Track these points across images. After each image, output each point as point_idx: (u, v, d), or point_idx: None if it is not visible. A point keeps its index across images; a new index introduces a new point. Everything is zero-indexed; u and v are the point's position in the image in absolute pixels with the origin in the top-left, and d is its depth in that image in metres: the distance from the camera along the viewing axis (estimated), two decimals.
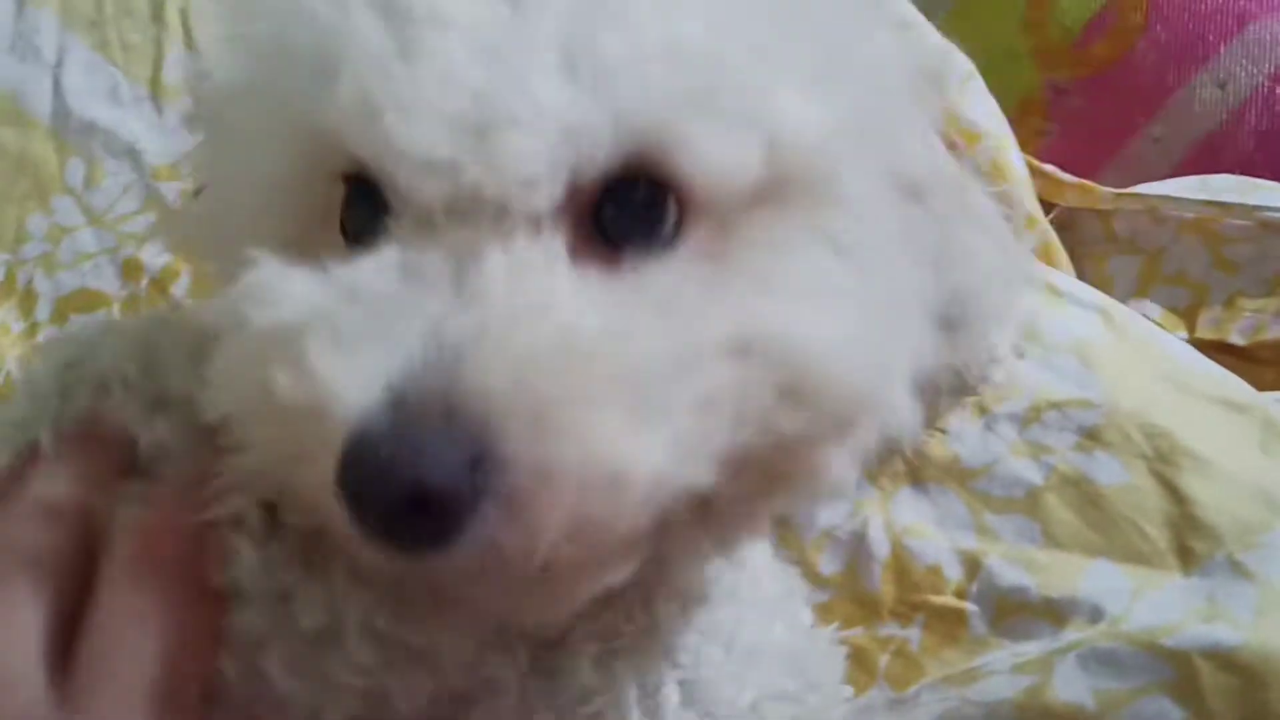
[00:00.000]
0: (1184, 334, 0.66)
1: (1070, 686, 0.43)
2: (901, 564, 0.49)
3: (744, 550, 0.43)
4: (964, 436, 0.51)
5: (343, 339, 0.29)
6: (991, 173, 0.65)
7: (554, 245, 0.31)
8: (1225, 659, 0.42)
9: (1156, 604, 0.45)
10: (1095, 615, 0.45)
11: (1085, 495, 0.48)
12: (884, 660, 0.48)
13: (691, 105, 0.31)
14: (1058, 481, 0.49)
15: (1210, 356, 0.64)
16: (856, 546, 0.50)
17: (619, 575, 0.33)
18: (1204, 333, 0.65)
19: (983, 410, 0.51)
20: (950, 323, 0.42)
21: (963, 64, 0.65)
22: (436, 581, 0.31)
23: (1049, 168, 0.70)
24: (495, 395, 0.28)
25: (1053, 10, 0.75)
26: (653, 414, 0.29)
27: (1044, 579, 0.47)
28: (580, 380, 0.29)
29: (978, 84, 0.65)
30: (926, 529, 0.49)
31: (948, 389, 0.44)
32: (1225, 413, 0.51)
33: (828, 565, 0.50)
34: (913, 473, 0.51)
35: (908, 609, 0.48)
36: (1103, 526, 0.47)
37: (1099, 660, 0.44)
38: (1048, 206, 0.70)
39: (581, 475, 0.28)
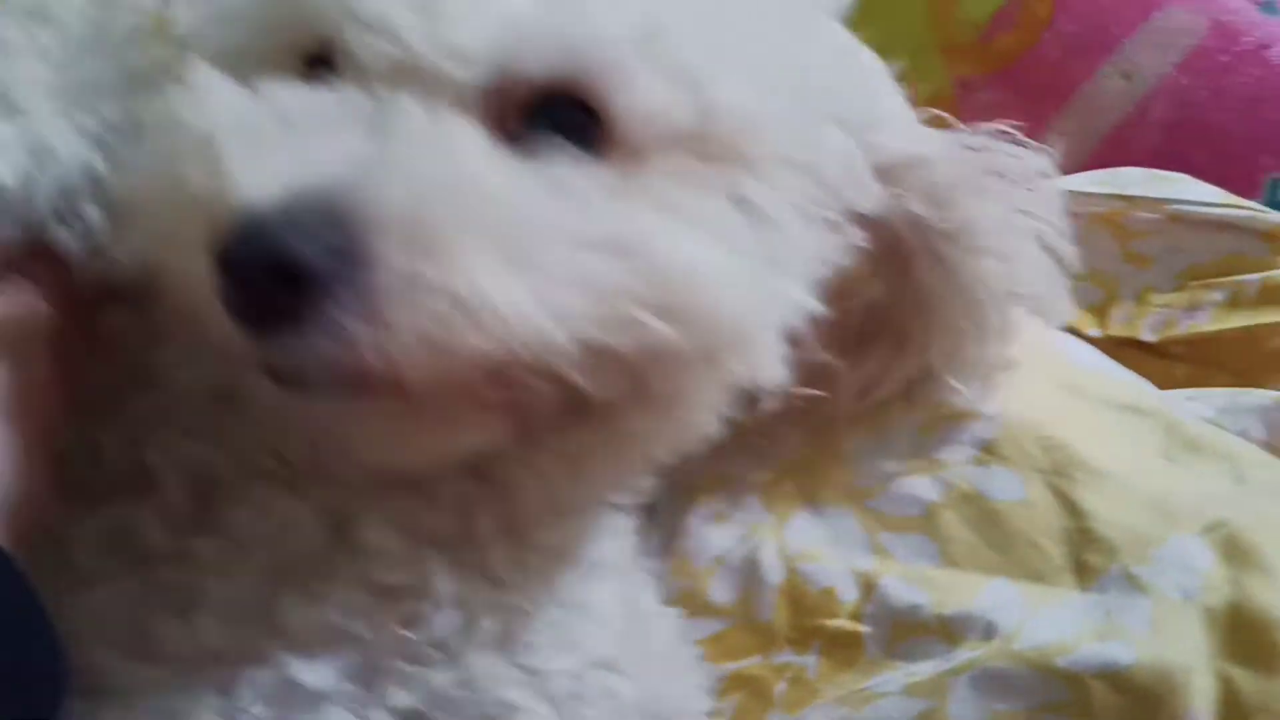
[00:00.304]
0: (1097, 331, 0.65)
1: (964, 709, 0.42)
2: (796, 589, 0.47)
3: (606, 522, 0.44)
4: (859, 454, 0.49)
5: (259, 147, 0.32)
6: None
7: (475, 119, 0.34)
8: (1118, 679, 0.40)
9: (1051, 621, 0.43)
10: (988, 632, 0.44)
11: (982, 512, 0.46)
12: (780, 688, 0.46)
13: (638, 51, 0.34)
14: (954, 497, 0.47)
15: (1122, 353, 0.63)
16: (749, 573, 0.48)
17: (479, 436, 0.36)
18: (1116, 330, 0.64)
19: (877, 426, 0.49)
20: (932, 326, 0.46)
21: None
22: (306, 413, 0.35)
23: None
24: (380, 210, 0.31)
25: (958, 4, 0.74)
26: (523, 266, 0.32)
27: (938, 596, 0.45)
28: (463, 218, 0.32)
29: None
30: (821, 551, 0.48)
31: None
32: (1125, 418, 0.50)
33: (720, 593, 0.48)
34: (806, 495, 0.49)
35: (803, 635, 0.47)
36: (1000, 544, 0.46)
37: (992, 681, 0.42)
38: None
39: (440, 288, 0.31)
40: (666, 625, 0.47)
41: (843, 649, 0.46)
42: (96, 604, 0.38)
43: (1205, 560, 0.43)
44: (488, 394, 0.35)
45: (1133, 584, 0.43)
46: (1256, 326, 0.60)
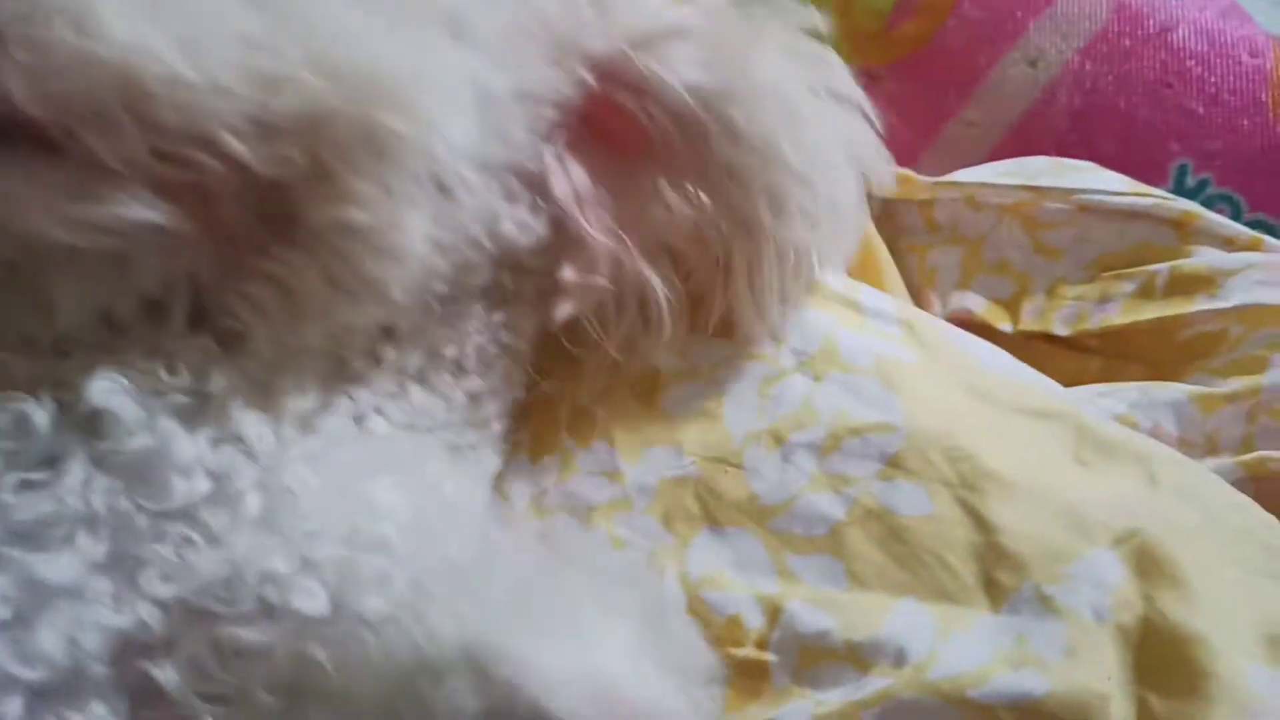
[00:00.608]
0: (1009, 325, 0.63)
1: None
2: (700, 617, 0.45)
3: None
4: (761, 471, 0.47)
5: None
6: None
7: None
8: (1032, 711, 0.38)
9: (963, 646, 0.41)
10: (899, 658, 0.42)
11: (888, 529, 0.44)
12: None
13: None
14: (860, 515, 0.45)
15: (1034, 348, 0.61)
16: None
17: (144, 212, 0.35)
18: (1027, 324, 0.63)
19: (778, 440, 0.47)
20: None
21: None
22: None
23: None
24: None
25: None
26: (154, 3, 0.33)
27: (847, 621, 0.43)
28: None
29: None
30: (724, 576, 0.45)
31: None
32: (1035, 423, 0.48)
33: None
34: (709, 515, 0.47)
35: None
36: (907, 562, 0.44)
37: (904, 713, 0.40)
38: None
39: (59, 10, 0.32)
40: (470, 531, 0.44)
41: (749, 679, 0.44)
42: None
43: (1116, 575, 0.41)
44: (150, 164, 0.35)
45: (1045, 606, 0.41)
46: (1167, 318, 0.59)
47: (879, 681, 0.41)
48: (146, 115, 0.34)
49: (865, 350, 0.49)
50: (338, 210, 0.37)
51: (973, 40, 0.69)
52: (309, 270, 0.39)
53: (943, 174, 0.67)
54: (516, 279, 0.47)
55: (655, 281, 0.48)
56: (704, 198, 0.46)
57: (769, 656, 0.44)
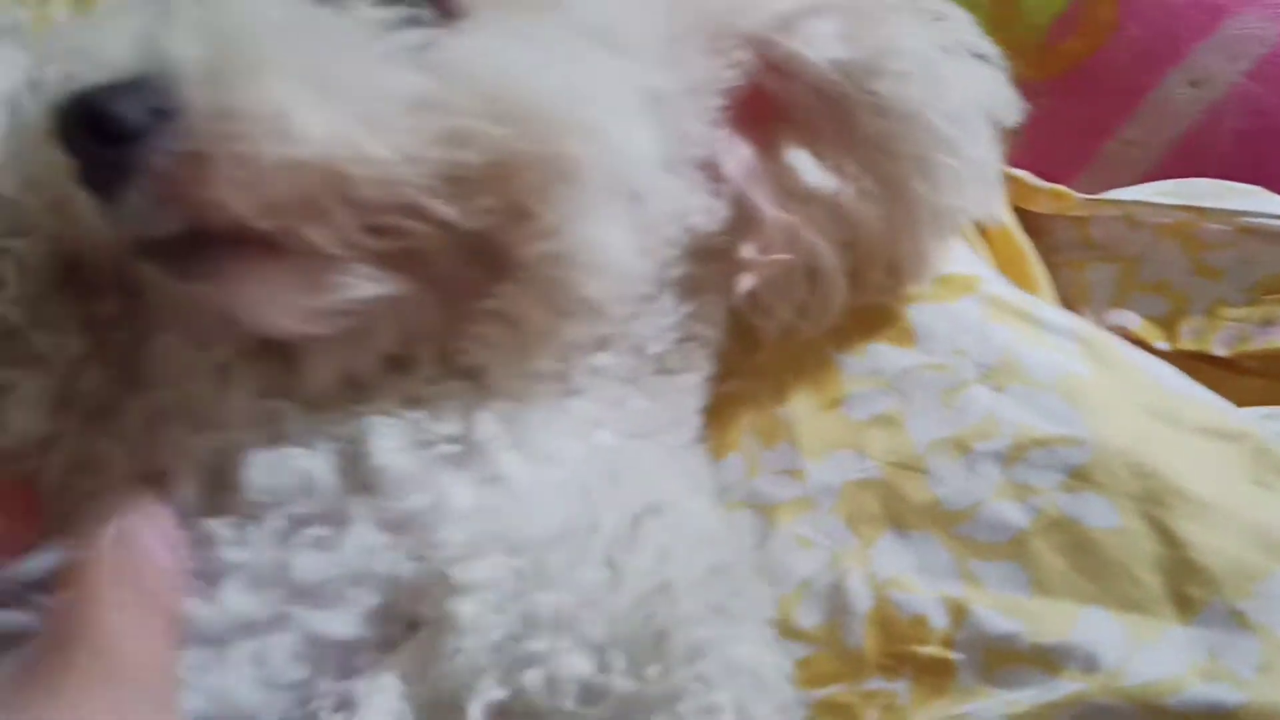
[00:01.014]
0: (1165, 344, 0.64)
1: None
2: (884, 616, 0.47)
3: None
4: (944, 478, 0.49)
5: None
6: None
7: None
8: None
9: (1155, 656, 0.42)
10: (1090, 664, 0.43)
11: (1074, 539, 0.46)
12: (872, 716, 0.46)
13: None
14: (1044, 524, 0.46)
15: (1192, 368, 0.62)
16: (836, 600, 0.47)
17: (366, 289, 0.38)
18: (1185, 344, 0.63)
19: (962, 449, 0.49)
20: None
21: None
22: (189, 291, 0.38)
23: (1020, 173, 0.68)
24: (185, 62, 0.35)
25: (1019, 7, 0.72)
26: (327, 87, 0.35)
27: (1035, 626, 0.45)
28: (260, 52, 0.35)
29: None
30: (909, 578, 0.47)
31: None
32: (1214, 443, 0.49)
33: (806, 618, 0.48)
34: (893, 518, 0.48)
35: (894, 662, 0.46)
36: (1094, 572, 0.45)
37: (1100, 718, 0.42)
38: (1019, 214, 0.68)
39: (247, 115, 0.34)
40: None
41: (935, 676, 0.45)
42: None
43: None
44: (364, 241, 0.37)
45: (1238, 621, 0.42)
46: None
47: (1070, 685, 0.43)
48: (353, 198, 0.36)
49: (1046, 365, 0.50)
50: (543, 243, 0.39)
51: (1135, 59, 0.69)
52: (528, 301, 0.41)
53: (1099, 192, 0.67)
54: (703, 266, 0.49)
55: (825, 251, 0.49)
56: (855, 169, 0.48)
57: (954, 656, 0.45)
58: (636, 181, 0.41)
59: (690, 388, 0.50)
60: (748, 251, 0.49)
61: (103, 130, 0.35)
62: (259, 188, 0.35)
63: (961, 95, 0.48)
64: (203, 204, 0.35)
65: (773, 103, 0.48)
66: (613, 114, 0.40)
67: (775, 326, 0.52)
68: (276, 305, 0.38)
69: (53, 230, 0.40)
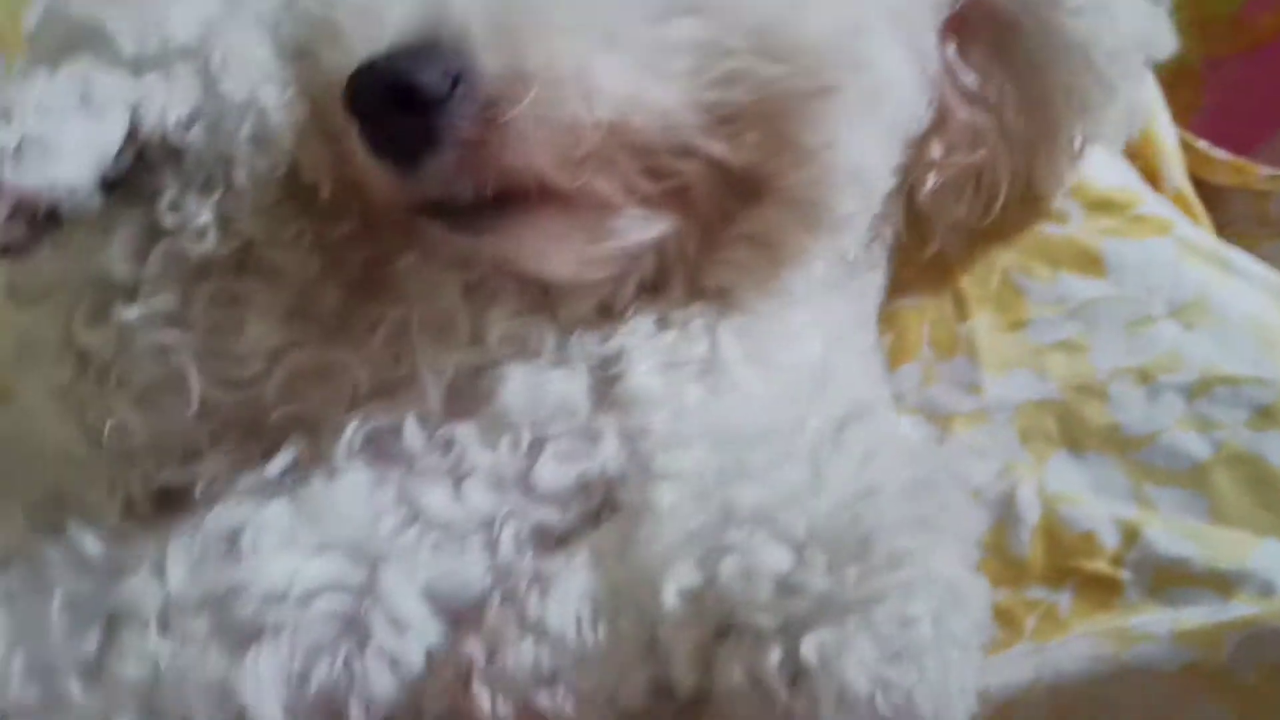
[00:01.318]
0: None
1: (1242, 665, 0.41)
2: (1052, 529, 0.47)
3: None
4: (1125, 404, 0.49)
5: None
6: (1139, 140, 0.62)
7: None
8: None
9: None
10: (1267, 589, 0.43)
11: (1257, 473, 0.46)
12: (1031, 622, 0.46)
13: None
14: (1227, 457, 0.47)
15: None
16: (1004, 509, 0.48)
17: (645, 232, 0.39)
18: None
19: (1146, 379, 0.49)
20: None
21: None
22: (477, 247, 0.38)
23: (1201, 143, 0.67)
24: (474, 25, 0.35)
25: None
26: (612, 41, 0.35)
27: (1210, 551, 0.45)
28: (546, 11, 0.35)
29: None
30: (1080, 496, 0.48)
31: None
32: None
33: None
34: (1069, 438, 0.49)
35: (1058, 574, 0.47)
36: (1275, 506, 0.45)
37: (1271, 641, 0.42)
38: (1198, 184, 0.67)
39: (541, 75, 0.34)
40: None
41: (1100, 591, 0.46)
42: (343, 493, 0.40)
43: None
44: (641, 185, 0.38)
45: None
46: None
47: (1244, 608, 0.43)
48: (636, 145, 0.37)
49: (1239, 308, 0.50)
50: (806, 169, 0.40)
51: None
52: (785, 223, 0.42)
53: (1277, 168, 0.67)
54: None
55: (997, 155, 0.50)
56: (1011, 86, 0.49)
57: (1123, 574, 0.46)
58: (892, 101, 0.43)
59: (873, 289, 0.51)
60: (935, 151, 0.50)
61: (405, 100, 0.34)
62: (560, 148, 0.36)
63: (1125, 32, 0.49)
64: (506, 168, 0.36)
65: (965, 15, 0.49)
66: (870, 40, 0.41)
67: (944, 226, 0.52)
68: (560, 255, 0.39)
69: (314, 161, 0.40)
